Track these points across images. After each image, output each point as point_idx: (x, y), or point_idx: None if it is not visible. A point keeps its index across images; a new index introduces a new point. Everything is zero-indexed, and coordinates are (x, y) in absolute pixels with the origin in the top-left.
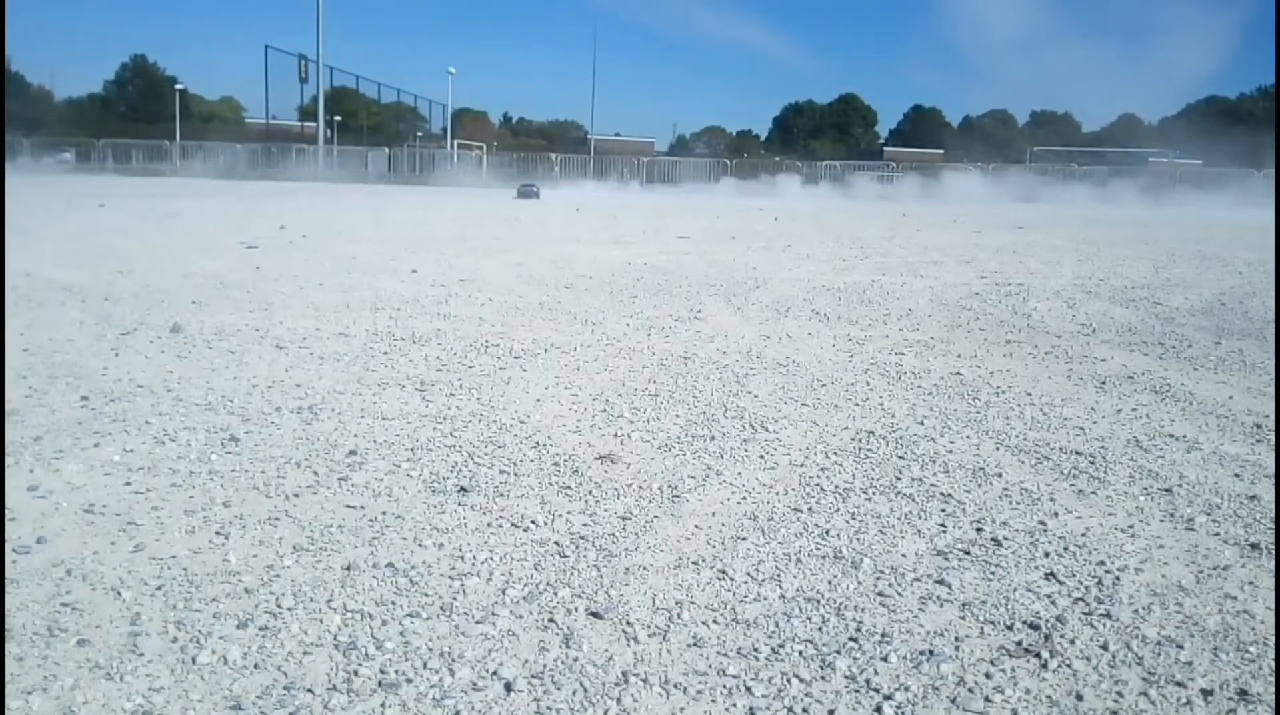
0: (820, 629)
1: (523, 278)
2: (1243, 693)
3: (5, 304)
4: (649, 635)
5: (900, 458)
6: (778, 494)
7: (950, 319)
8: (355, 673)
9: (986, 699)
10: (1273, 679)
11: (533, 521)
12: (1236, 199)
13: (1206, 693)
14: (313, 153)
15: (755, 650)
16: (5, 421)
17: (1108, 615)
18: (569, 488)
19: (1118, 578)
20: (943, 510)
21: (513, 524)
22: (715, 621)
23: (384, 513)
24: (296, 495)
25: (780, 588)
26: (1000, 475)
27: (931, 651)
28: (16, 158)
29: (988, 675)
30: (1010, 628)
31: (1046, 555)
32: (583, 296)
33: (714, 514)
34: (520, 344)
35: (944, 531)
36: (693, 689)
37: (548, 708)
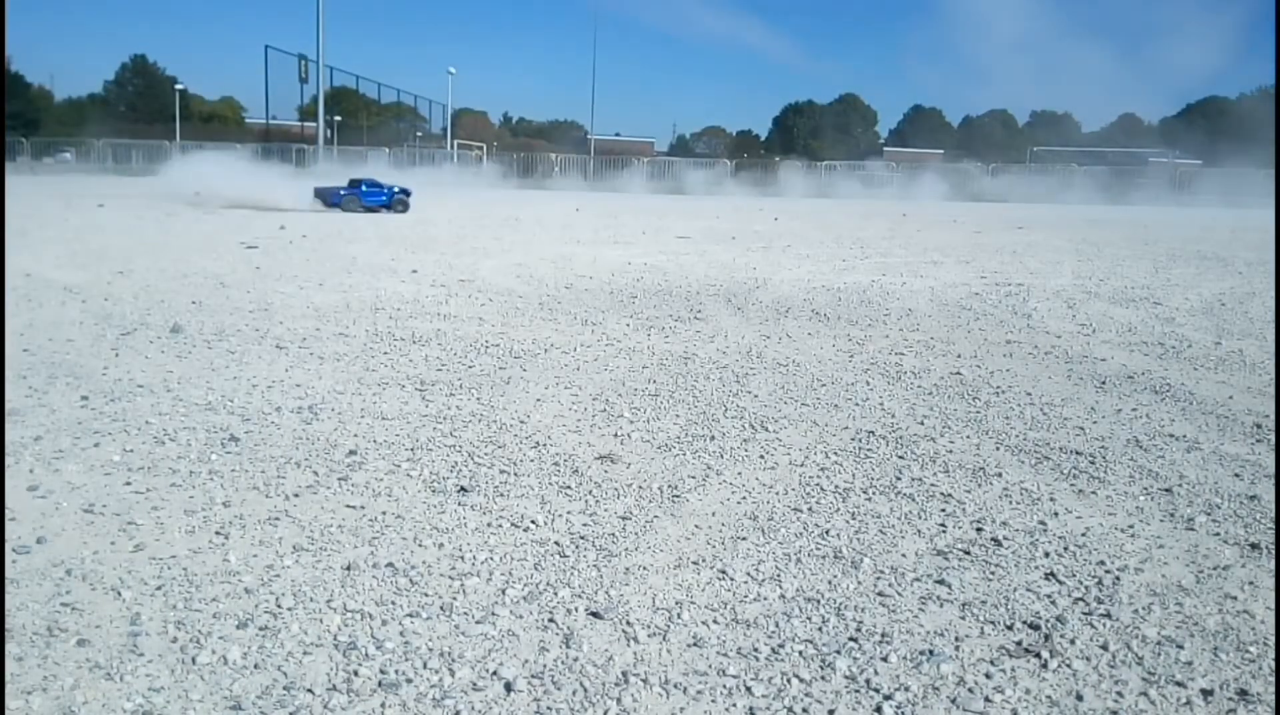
0: (820, 629)
1: (522, 278)
2: (1243, 693)
3: (5, 304)
4: (649, 635)
5: (900, 458)
6: (778, 494)
7: (950, 319)
8: (355, 673)
9: (986, 699)
10: (1273, 679)
11: (533, 521)
12: (1236, 199)
13: (1206, 693)
14: (313, 153)
15: (755, 650)
16: (5, 421)
17: (1108, 615)
18: (569, 488)
19: (1118, 578)
20: (943, 510)
21: (513, 524)
22: (715, 621)
23: (384, 513)
24: (296, 495)
25: (780, 588)
26: (1000, 475)
27: (931, 651)
28: (16, 158)
29: (988, 675)
30: (1010, 628)
31: (1046, 555)
32: (582, 296)
33: (714, 514)
34: (520, 344)
35: (944, 531)
36: (693, 689)
37: (548, 708)
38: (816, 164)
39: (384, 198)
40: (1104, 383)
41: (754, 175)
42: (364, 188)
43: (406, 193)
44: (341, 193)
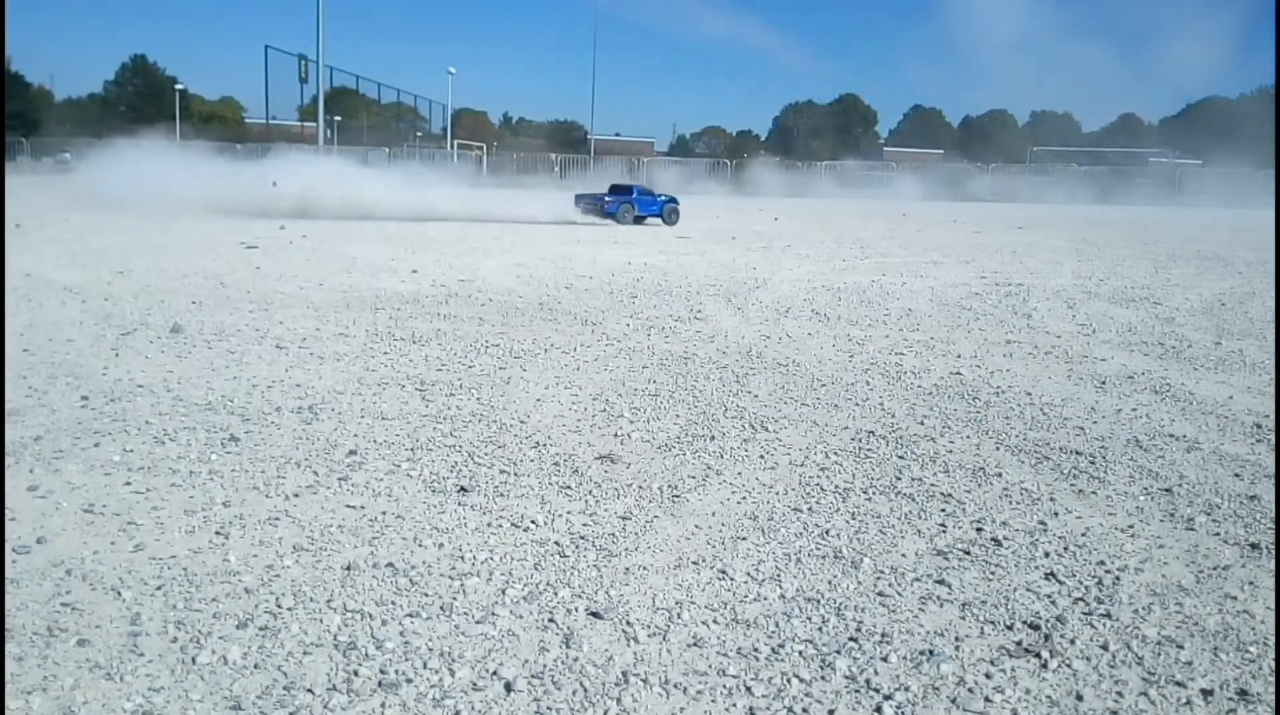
0: (820, 629)
1: (523, 278)
2: (1243, 693)
3: (5, 304)
4: (649, 635)
5: (900, 458)
6: (778, 494)
7: (950, 319)
8: (355, 673)
9: (986, 699)
10: (1273, 679)
11: (533, 521)
12: (1236, 199)
13: (1206, 693)
14: (313, 153)
15: (755, 650)
16: (5, 421)
17: (1108, 615)
18: (569, 488)
19: (1118, 578)
20: (943, 510)
21: (513, 524)
22: (715, 621)
23: (384, 513)
24: (296, 495)
25: (780, 588)
26: (1000, 475)
27: (931, 651)
28: (16, 158)
29: (988, 675)
30: (1010, 628)
31: (1046, 555)
32: (583, 296)
33: (714, 514)
34: (520, 344)
35: (944, 531)
36: (693, 689)
37: (548, 708)
38: (817, 163)
39: (657, 207)
40: (1104, 383)
41: (749, 175)
42: (636, 194)
43: (675, 201)
44: (611, 200)
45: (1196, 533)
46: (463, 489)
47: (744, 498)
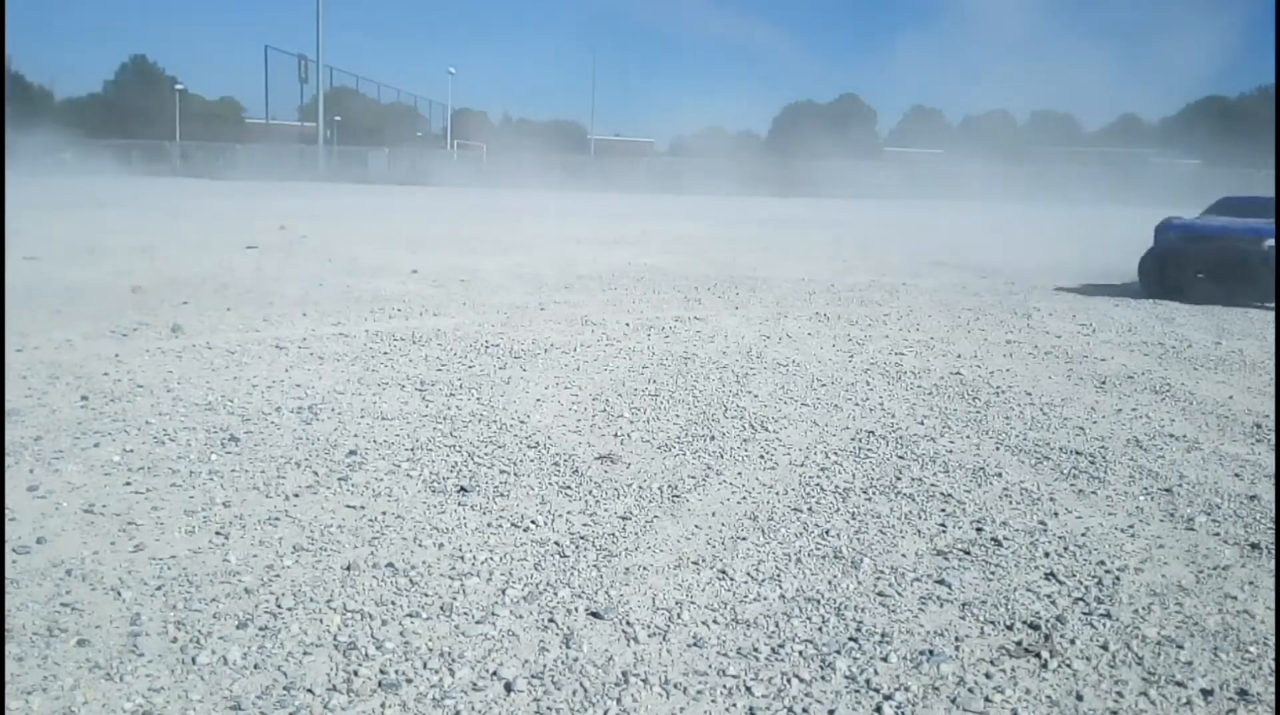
0: (820, 629)
1: (523, 278)
2: (1243, 693)
3: (5, 303)
4: (649, 635)
5: (900, 458)
6: (778, 494)
7: (950, 319)
8: (355, 673)
9: (986, 699)
10: (1273, 679)
11: (533, 521)
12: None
13: (1206, 693)
14: (313, 153)
15: (755, 650)
16: (5, 421)
17: (1108, 615)
18: (569, 488)
19: (1118, 578)
20: (943, 510)
21: (513, 524)
22: (715, 621)
23: (384, 513)
24: (296, 495)
25: (780, 588)
26: (1000, 475)
27: (931, 651)
28: (16, 158)
29: (988, 675)
30: (1010, 628)
31: (1046, 555)
32: (583, 296)
33: (714, 514)
34: (520, 344)
35: (944, 531)
36: (693, 689)
37: (548, 708)
38: (816, 163)
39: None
40: (1104, 383)
41: (751, 175)
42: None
43: None
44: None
45: (1196, 533)
46: (463, 489)
47: (744, 498)
